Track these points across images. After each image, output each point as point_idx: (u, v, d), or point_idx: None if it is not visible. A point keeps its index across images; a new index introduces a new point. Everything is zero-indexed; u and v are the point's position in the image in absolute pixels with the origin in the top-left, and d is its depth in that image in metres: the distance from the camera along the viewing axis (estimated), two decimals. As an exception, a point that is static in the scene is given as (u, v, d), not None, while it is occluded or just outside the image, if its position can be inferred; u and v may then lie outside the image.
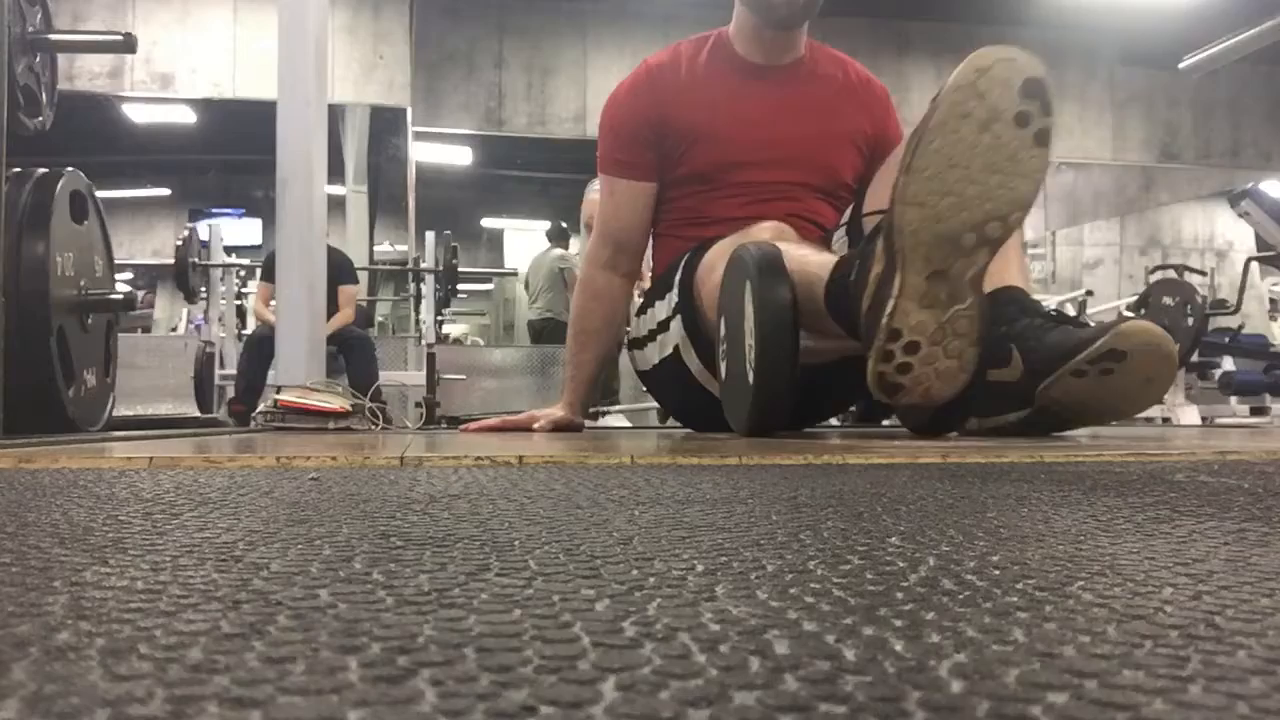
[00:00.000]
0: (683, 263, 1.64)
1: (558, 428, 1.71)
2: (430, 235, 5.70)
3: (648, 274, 2.03)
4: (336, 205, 7.07)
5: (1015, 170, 1.09)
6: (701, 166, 1.73)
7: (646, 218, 1.79)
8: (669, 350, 1.68)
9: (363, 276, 6.10)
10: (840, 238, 1.65)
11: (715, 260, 1.49)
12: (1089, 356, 1.23)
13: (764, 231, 1.49)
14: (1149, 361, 1.25)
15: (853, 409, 2.10)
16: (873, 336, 1.17)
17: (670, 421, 5.18)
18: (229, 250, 5.87)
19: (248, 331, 5.26)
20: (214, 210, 8.35)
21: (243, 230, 8.17)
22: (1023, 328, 1.31)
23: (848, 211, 1.66)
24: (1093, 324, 1.32)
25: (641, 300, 1.86)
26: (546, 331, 6.18)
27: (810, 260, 1.34)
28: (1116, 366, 1.25)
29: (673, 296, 1.65)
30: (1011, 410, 1.36)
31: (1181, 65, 6.20)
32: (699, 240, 1.68)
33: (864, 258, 1.21)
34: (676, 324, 1.64)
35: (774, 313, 1.27)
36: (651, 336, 1.74)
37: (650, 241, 1.85)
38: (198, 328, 5.98)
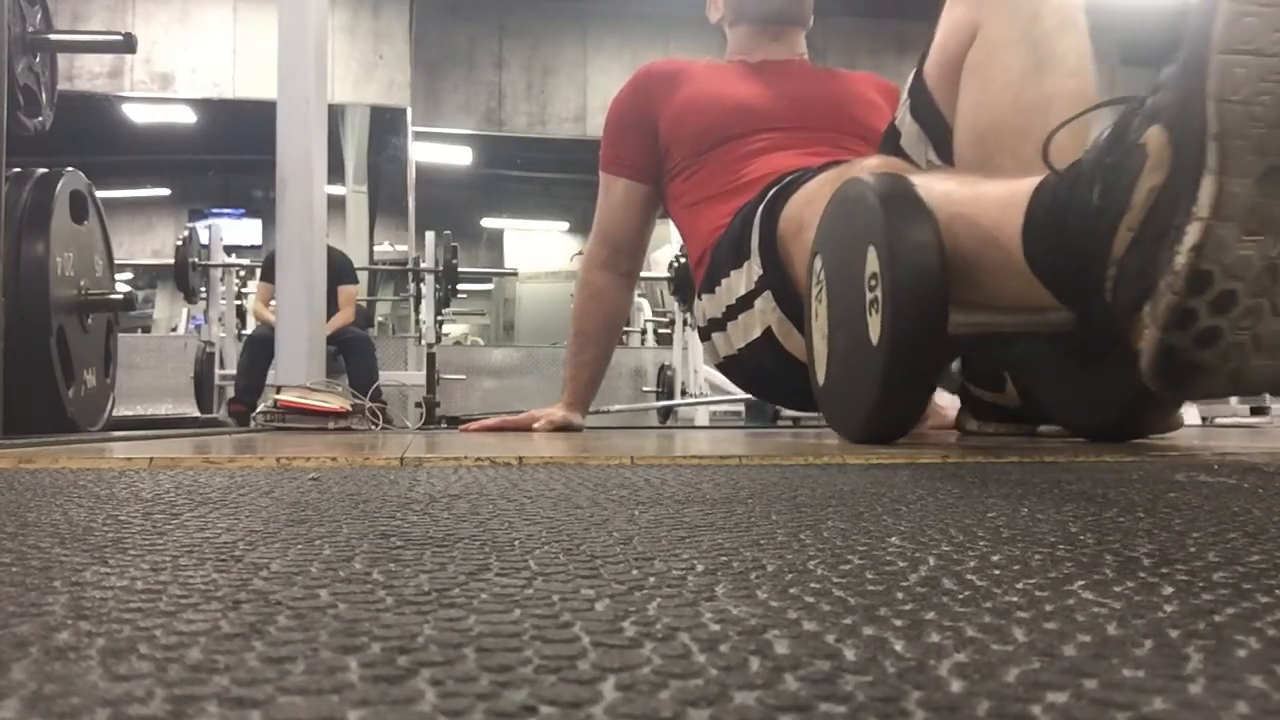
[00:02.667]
0: (758, 219, 1.32)
1: (558, 428, 1.71)
2: (430, 235, 5.70)
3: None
4: (336, 205, 7.07)
5: None
6: (710, 120, 1.63)
7: (644, 217, 1.81)
8: (756, 333, 1.37)
9: (363, 276, 6.10)
10: (904, 102, 1.26)
11: (805, 213, 1.16)
12: None
13: (873, 164, 1.16)
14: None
15: None
16: (1148, 291, 0.75)
17: (670, 421, 5.16)
18: (229, 250, 5.87)
19: (248, 331, 5.26)
20: (214, 210, 8.35)
21: (243, 230, 8.17)
22: (1020, 353, 1.15)
23: (910, 77, 1.26)
24: None
25: (705, 274, 1.53)
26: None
27: (959, 196, 0.94)
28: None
29: (753, 266, 1.34)
30: (1012, 419, 1.36)
31: (1181, 65, 6.20)
32: (751, 182, 1.44)
33: (1115, 166, 0.79)
34: (765, 302, 1.33)
35: (913, 262, 0.89)
36: (732, 315, 1.42)
37: (679, 226, 1.74)
38: (198, 328, 5.97)
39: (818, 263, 1.11)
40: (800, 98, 1.67)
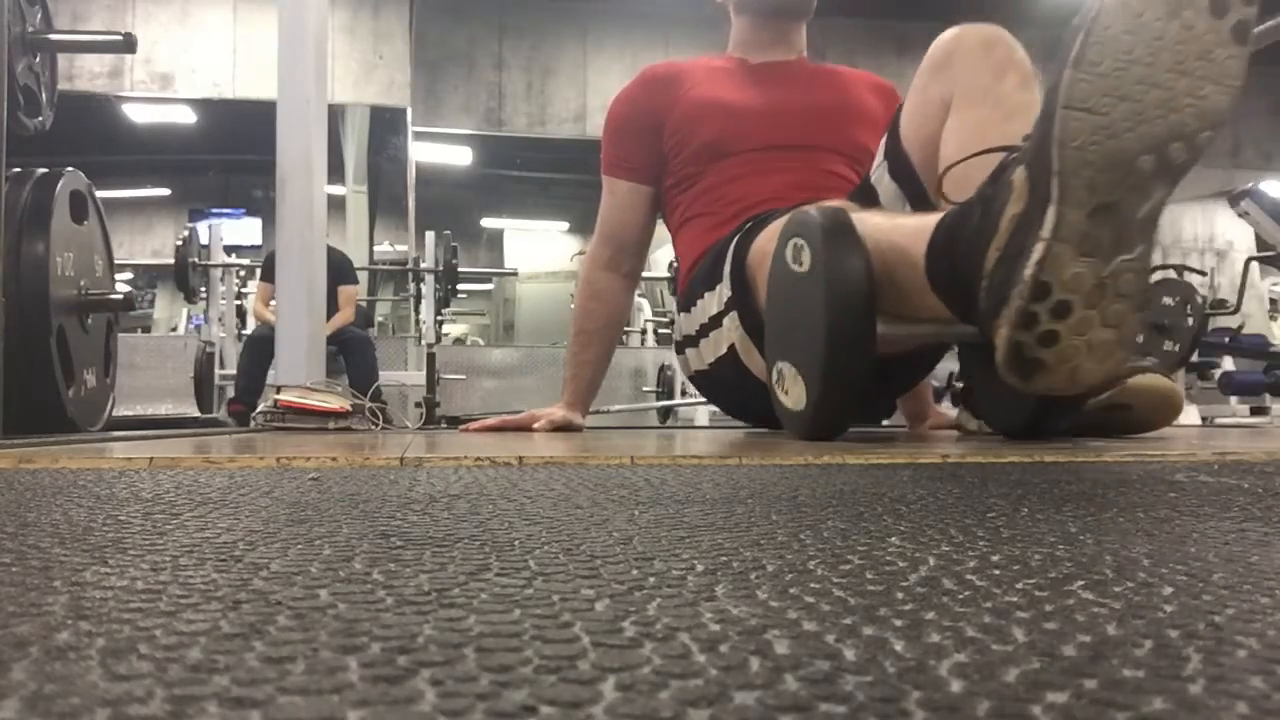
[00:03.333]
0: (732, 249, 1.46)
1: (558, 428, 1.71)
2: (430, 235, 5.70)
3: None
4: (336, 205, 7.07)
5: (1207, 74, 0.86)
6: (709, 136, 1.68)
7: (647, 218, 1.81)
8: (723, 349, 1.51)
9: (363, 276, 6.10)
10: (880, 163, 1.38)
11: (769, 247, 1.29)
12: (1093, 406, 1.22)
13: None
14: (1153, 412, 1.26)
15: None
16: (1005, 298, 0.90)
17: (670, 421, 5.16)
18: (229, 250, 5.87)
19: (248, 331, 5.26)
20: (214, 210, 8.35)
21: (243, 230, 8.17)
22: (964, 359, 1.23)
23: (884, 137, 1.40)
24: None
25: (683, 294, 1.68)
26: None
27: (887, 226, 1.11)
28: (1120, 414, 1.25)
29: (724, 289, 1.47)
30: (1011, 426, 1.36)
31: (1181, 65, 6.19)
32: (733, 213, 1.58)
33: (990, 200, 0.95)
34: (731, 321, 1.47)
35: (845, 287, 1.04)
36: (703, 333, 1.56)
37: (672, 235, 1.81)
38: (198, 328, 5.97)
39: (774, 300, 1.25)
40: (796, 113, 1.69)
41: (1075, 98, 0.86)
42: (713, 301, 1.52)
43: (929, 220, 1.05)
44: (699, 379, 1.66)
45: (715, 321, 1.51)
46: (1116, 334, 0.89)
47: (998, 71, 1.18)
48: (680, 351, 1.70)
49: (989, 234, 0.93)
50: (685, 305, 1.64)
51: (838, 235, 1.07)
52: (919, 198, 1.29)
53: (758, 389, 1.38)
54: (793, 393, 1.16)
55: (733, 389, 1.57)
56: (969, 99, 1.20)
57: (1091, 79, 0.85)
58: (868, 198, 1.36)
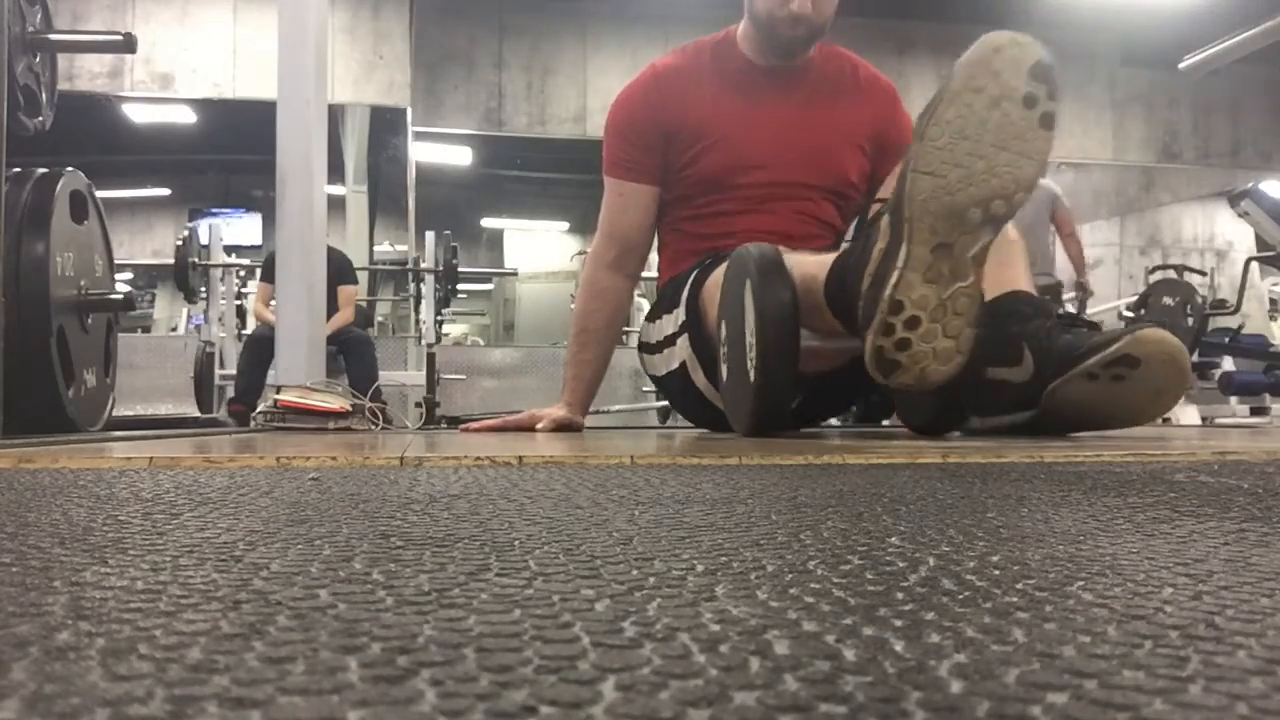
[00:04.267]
0: (690, 280, 1.65)
1: (558, 428, 1.71)
2: (430, 235, 5.70)
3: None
4: (336, 205, 7.07)
5: (1021, 150, 1.12)
6: (709, 172, 1.73)
7: (651, 220, 1.80)
8: (675, 364, 1.70)
9: (363, 276, 6.10)
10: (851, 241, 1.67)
11: (719, 278, 1.51)
12: (1103, 360, 1.24)
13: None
14: (1162, 372, 1.25)
15: (853, 409, 2.10)
16: (873, 313, 1.17)
17: (669, 422, 5.19)
18: (229, 250, 5.87)
19: (248, 331, 5.26)
20: (214, 210, 8.34)
21: (244, 226, 8.15)
22: (1036, 328, 1.32)
23: (855, 222, 1.69)
24: (1106, 330, 1.35)
25: (650, 308, 1.89)
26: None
27: (809, 261, 1.37)
28: (1129, 374, 1.25)
29: (680, 314, 1.67)
30: (1016, 411, 1.36)
31: (1181, 65, 6.20)
32: (706, 247, 1.70)
33: (866, 239, 1.23)
34: (684, 342, 1.66)
35: (775, 312, 1.28)
36: (660, 348, 1.76)
37: (658, 242, 1.86)
38: (198, 328, 5.97)
39: (723, 320, 1.47)
40: (792, 143, 1.72)
41: (921, 164, 1.14)
42: (669, 323, 1.73)
43: (829, 259, 1.33)
44: (658, 382, 1.88)
45: (670, 340, 1.72)
46: (955, 343, 1.17)
47: None
48: (640, 353, 1.91)
49: (863, 264, 1.21)
50: (651, 318, 1.86)
51: (769, 270, 1.31)
52: None
53: (701, 400, 1.66)
54: (746, 394, 1.36)
55: (681, 396, 1.80)
56: None
57: (932, 150, 1.13)
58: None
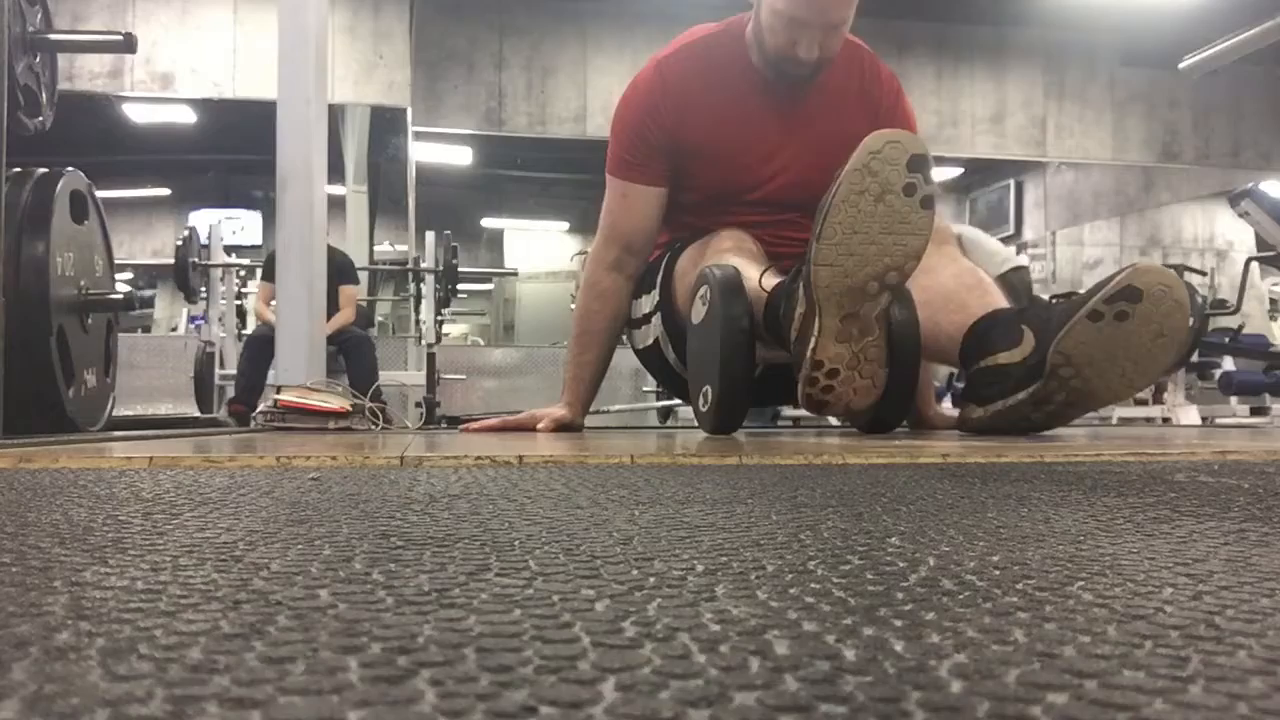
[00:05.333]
0: (663, 265, 1.76)
1: (558, 428, 1.71)
2: (430, 235, 5.69)
3: None
4: (336, 205, 7.06)
5: (907, 230, 1.28)
6: (713, 189, 1.74)
7: (656, 221, 1.77)
8: (650, 340, 1.82)
9: (363, 276, 6.09)
10: None
11: (686, 268, 1.67)
12: (1106, 295, 1.33)
13: (724, 241, 1.64)
14: (1163, 307, 1.30)
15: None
16: (800, 364, 1.37)
17: (669, 422, 5.17)
18: (229, 250, 5.87)
19: (248, 331, 5.26)
20: (221, 208, 8.32)
21: (244, 223, 8.13)
22: (1034, 310, 1.45)
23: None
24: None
25: (636, 287, 1.94)
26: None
27: (762, 280, 1.53)
28: (1132, 309, 1.30)
29: (655, 295, 1.78)
30: (1017, 391, 1.37)
31: (1181, 65, 6.20)
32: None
33: (789, 296, 1.40)
34: (657, 320, 1.78)
35: (733, 334, 1.44)
36: (639, 324, 1.87)
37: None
38: (198, 328, 5.97)
39: (690, 327, 1.62)
40: (794, 163, 1.72)
41: (820, 259, 1.30)
42: (647, 302, 1.82)
43: (774, 289, 1.46)
44: (640, 355, 1.96)
45: (646, 319, 1.83)
46: (871, 382, 1.38)
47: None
48: (628, 329, 1.98)
49: (789, 320, 1.40)
50: (637, 294, 1.92)
51: (729, 289, 1.46)
52: None
53: (672, 374, 1.82)
54: (708, 400, 1.52)
55: (659, 371, 1.93)
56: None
57: (829, 247, 1.29)
58: None
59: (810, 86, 1.73)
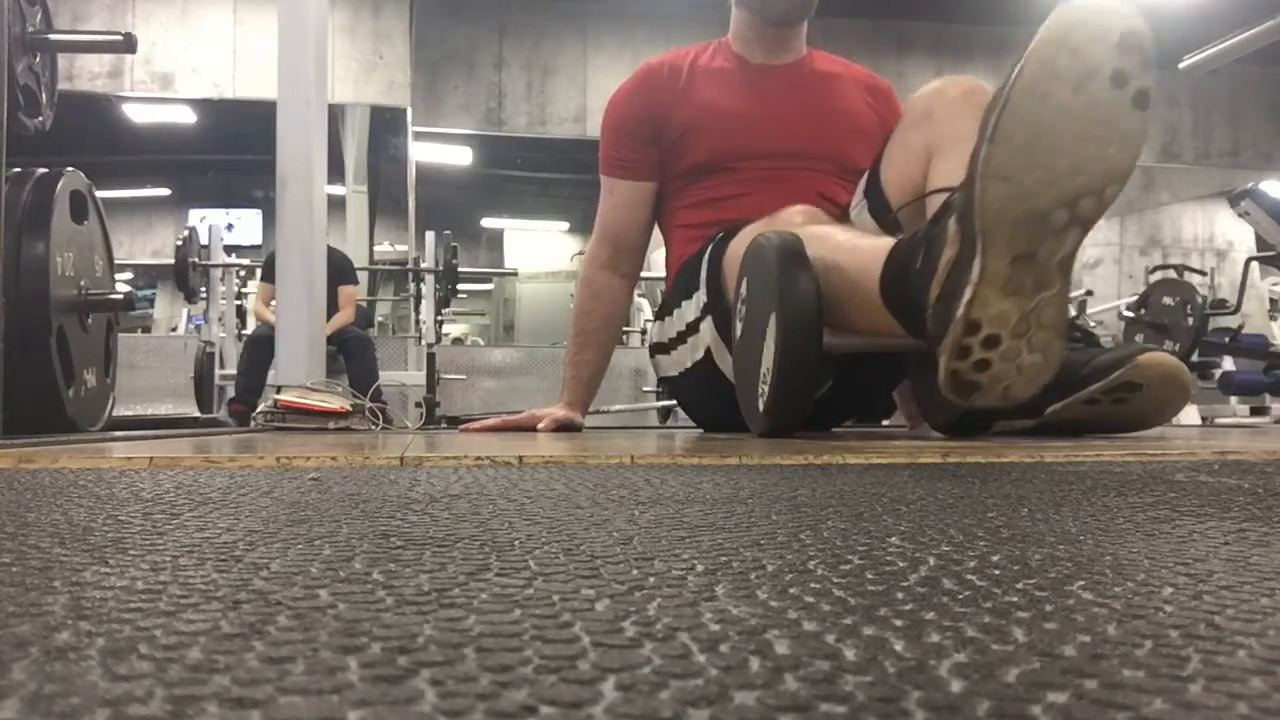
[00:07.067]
0: (707, 256, 1.57)
1: (558, 428, 1.71)
2: (430, 235, 5.70)
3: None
4: (336, 205, 7.07)
5: (1111, 137, 0.94)
6: (703, 155, 1.72)
7: (646, 217, 1.81)
8: (700, 354, 1.59)
9: (363, 276, 6.10)
10: (859, 202, 1.52)
11: (739, 251, 1.41)
12: (1104, 388, 1.27)
13: (795, 215, 1.40)
14: (1164, 392, 1.27)
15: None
16: (944, 330, 1.01)
17: (670, 421, 5.17)
18: (229, 250, 5.87)
19: (248, 331, 5.26)
20: (222, 209, 8.33)
21: (244, 222, 8.14)
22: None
23: (864, 178, 1.53)
24: (1108, 345, 1.38)
25: (661, 302, 1.81)
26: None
27: (843, 246, 1.25)
28: (1130, 397, 1.26)
29: (701, 296, 1.57)
30: (1016, 417, 1.37)
31: (1181, 65, 6.20)
32: (717, 226, 1.62)
33: (932, 240, 1.06)
34: (707, 325, 1.56)
35: (797, 307, 1.19)
36: (681, 339, 1.66)
37: (664, 239, 1.85)
38: (198, 328, 5.97)
39: (741, 310, 1.38)
40: (791, 129, 1.71)
41: (993, 168, 0.96)
42: (690, 309, 1.62)
43: (881, 247, 1.18)
44: (675, 383, 1.76)
45: (693, 328, 1.61)
46: (1043, 358, 1.00)
47: (977, 117, 1.22)
48: (654, 356, 1.82)
49: (930, 272, 1.05)
50: (661, 315, 1.77)
51: (787, 253, 1.21)
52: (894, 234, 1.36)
53: (726, 393, 1.48)
54: (763, 389, 1.28)
55: (707, 394, 1.65)
56: (951, 145, 1.29)
57: (1005, 152, 0.95)
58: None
59: (798, 72, 1.78)
